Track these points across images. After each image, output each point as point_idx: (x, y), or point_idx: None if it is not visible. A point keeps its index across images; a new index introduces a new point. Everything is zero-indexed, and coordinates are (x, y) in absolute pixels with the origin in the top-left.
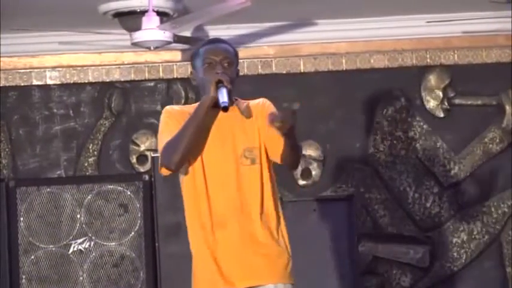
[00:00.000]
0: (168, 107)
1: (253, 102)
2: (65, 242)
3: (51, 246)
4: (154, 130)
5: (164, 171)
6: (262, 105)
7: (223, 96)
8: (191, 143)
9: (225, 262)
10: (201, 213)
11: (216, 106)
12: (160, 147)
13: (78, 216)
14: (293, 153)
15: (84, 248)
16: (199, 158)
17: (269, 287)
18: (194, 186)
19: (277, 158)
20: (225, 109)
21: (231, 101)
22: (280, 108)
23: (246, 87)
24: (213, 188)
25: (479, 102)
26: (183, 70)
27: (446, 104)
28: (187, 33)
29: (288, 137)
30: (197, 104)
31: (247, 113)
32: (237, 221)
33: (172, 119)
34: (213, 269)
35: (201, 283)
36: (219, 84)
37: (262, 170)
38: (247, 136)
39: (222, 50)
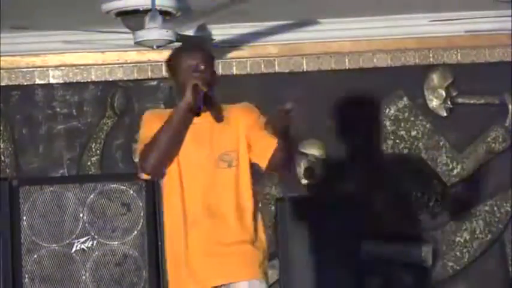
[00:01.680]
0: (148, 111)
1: (235, 107)
2: (67, 241)
3: (54, 245)
4: None
5: (144, 176)
6: (242, 110)
7: (196, 101)
8: (166, 148)
9: (195, 262)
10: (175, 215)
11: (192, 110)
12: (138, 152)
13: (81, 215)
14: (282, 155)
15: (87, 247)
16: (175, 161)
17: (242, 283)
18: (171, 189)
19: (263, 162)
20: (197, 114)
21: (210, 105)
22: (273, 110)
23: (249, 86)
24: (188, 189)
25: (482, 101)
26: None
27: (449, 103)
28: (190, 32)
29: (281, 138)
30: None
31: (219, 118)
32: (209, 222)
33: (152, 123)
34: (183, 269)
35: (174, 283)
36: (194, 88)
37: (239, 172)
38: (225, 140)
39: (198, 54)
